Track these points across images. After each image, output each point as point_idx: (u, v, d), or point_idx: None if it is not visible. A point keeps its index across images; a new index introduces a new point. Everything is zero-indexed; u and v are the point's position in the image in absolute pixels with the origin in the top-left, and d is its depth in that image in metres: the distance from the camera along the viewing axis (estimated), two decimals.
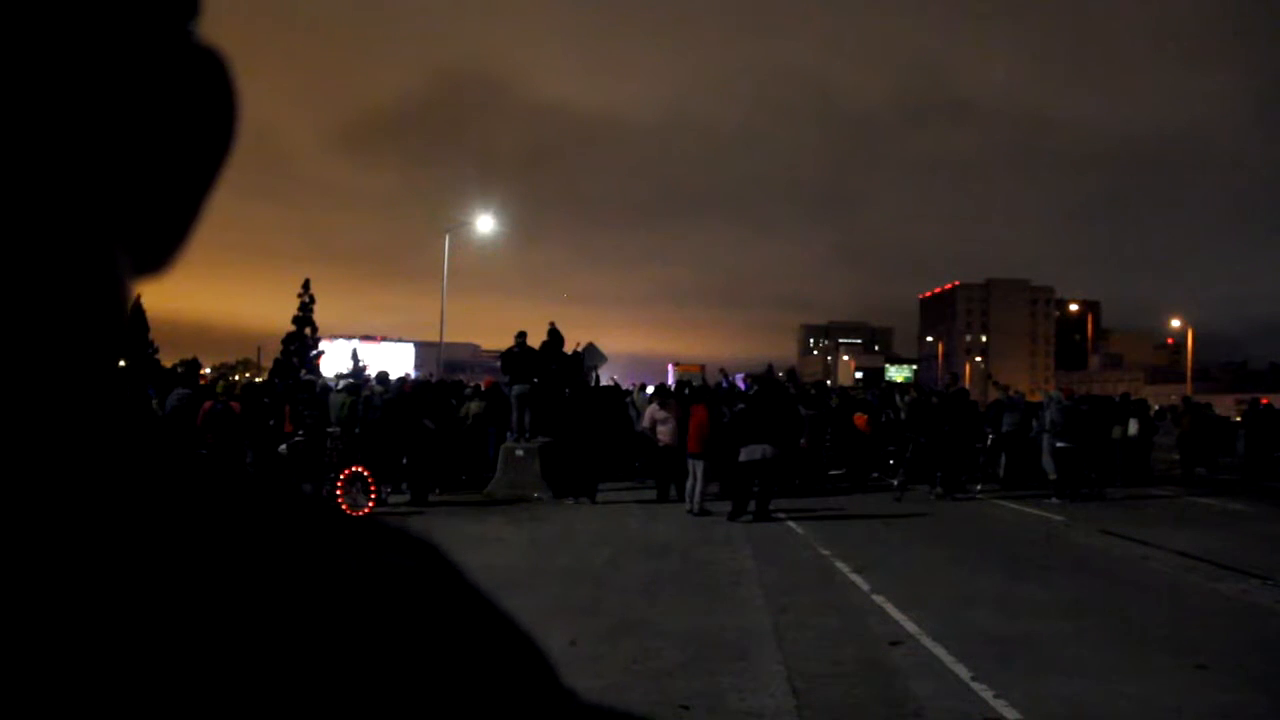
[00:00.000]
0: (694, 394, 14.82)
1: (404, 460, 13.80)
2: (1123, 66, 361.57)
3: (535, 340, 16.00)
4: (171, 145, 0.33)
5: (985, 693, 5.10)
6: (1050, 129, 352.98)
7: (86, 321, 0.30)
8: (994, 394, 19.22)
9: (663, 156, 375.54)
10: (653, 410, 14.52)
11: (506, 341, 15.60)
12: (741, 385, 19.09)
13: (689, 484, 12.95)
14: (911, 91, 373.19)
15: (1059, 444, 15.41)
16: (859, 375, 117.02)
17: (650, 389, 19.70)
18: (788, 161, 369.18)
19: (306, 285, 58.37)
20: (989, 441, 17.47)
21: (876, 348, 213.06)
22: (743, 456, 12.49)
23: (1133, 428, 18.26)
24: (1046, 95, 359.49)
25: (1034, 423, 16.80)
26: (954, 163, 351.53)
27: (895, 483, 15.46)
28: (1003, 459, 17.53)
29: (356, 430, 13.96)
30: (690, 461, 13.02)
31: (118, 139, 0.31)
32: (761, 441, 12.45)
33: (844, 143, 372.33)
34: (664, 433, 14.11)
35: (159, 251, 0.34)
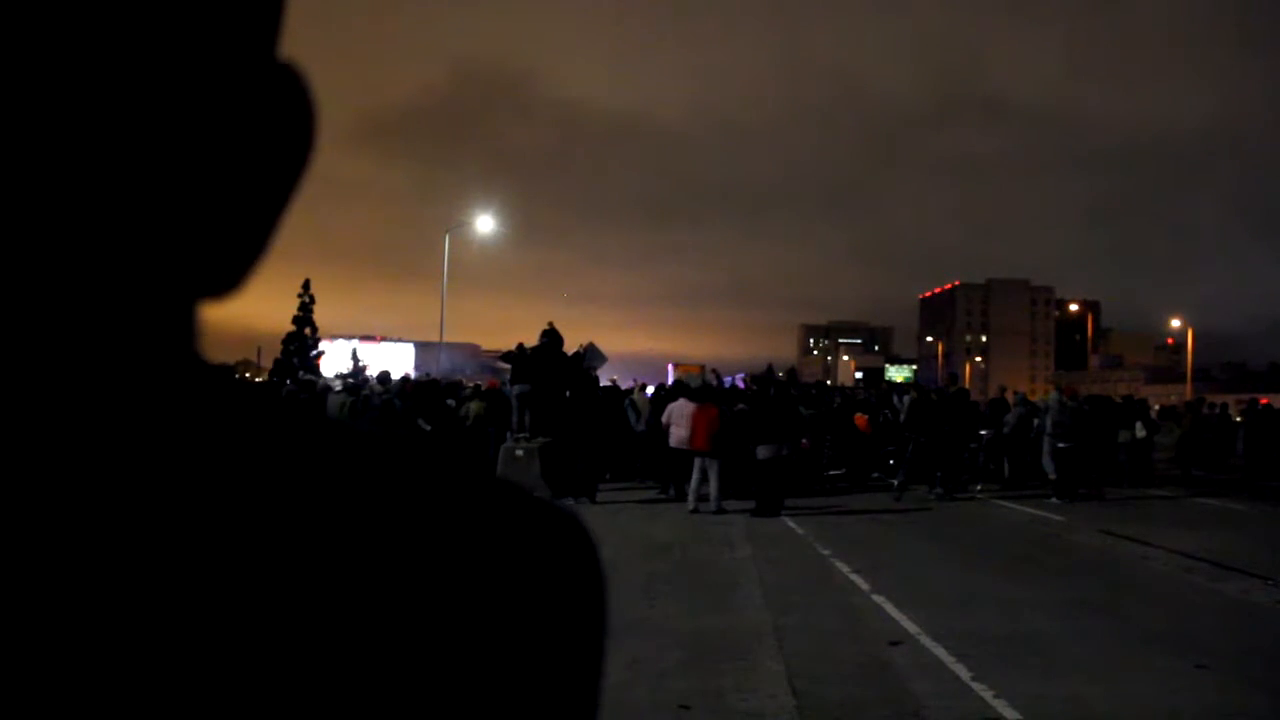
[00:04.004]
0: (699, 393, 14.77)
1: None
2: (1126, 67, 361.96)
3: (535, 341, 16.02)
4: (252, 163, 0.32)
5: (985, 693, 5.09)
6: (1052, 130, 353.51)
7: (160, 338, 0.31)
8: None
9: (680, 156, 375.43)
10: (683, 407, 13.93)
11: (507, 342, 15.66)
12: (741, 386, 19.10)
13: (693, 482, 12.94)
14: (923, 91, 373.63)
15: (1059, 444, 15.41)
16: (859, 375, 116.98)
17: (650, 389, 19.70)
18: (803, 161, 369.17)
19: (306, 285, 58.48)
20: (983, 442, 17.48)
21: (876, 348, 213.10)
22: (761, 454, 12.75)
23: (1140, 431, 18.28)
24: (1048, 95, 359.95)
25: (1035, 422, 16.81)
26: (958, 163, 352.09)
27: (895, 483, 15.46)
28: (1005, 459, 17.54)
29: None
30: (698, 460, 13.00)
31: (203, 159, 0.31)
32: (774, 440, 12.75)
33: (859, 142, 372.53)
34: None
35: (233, 271, 0.33)
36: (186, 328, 0.33)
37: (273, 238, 0.34)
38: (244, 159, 0.32)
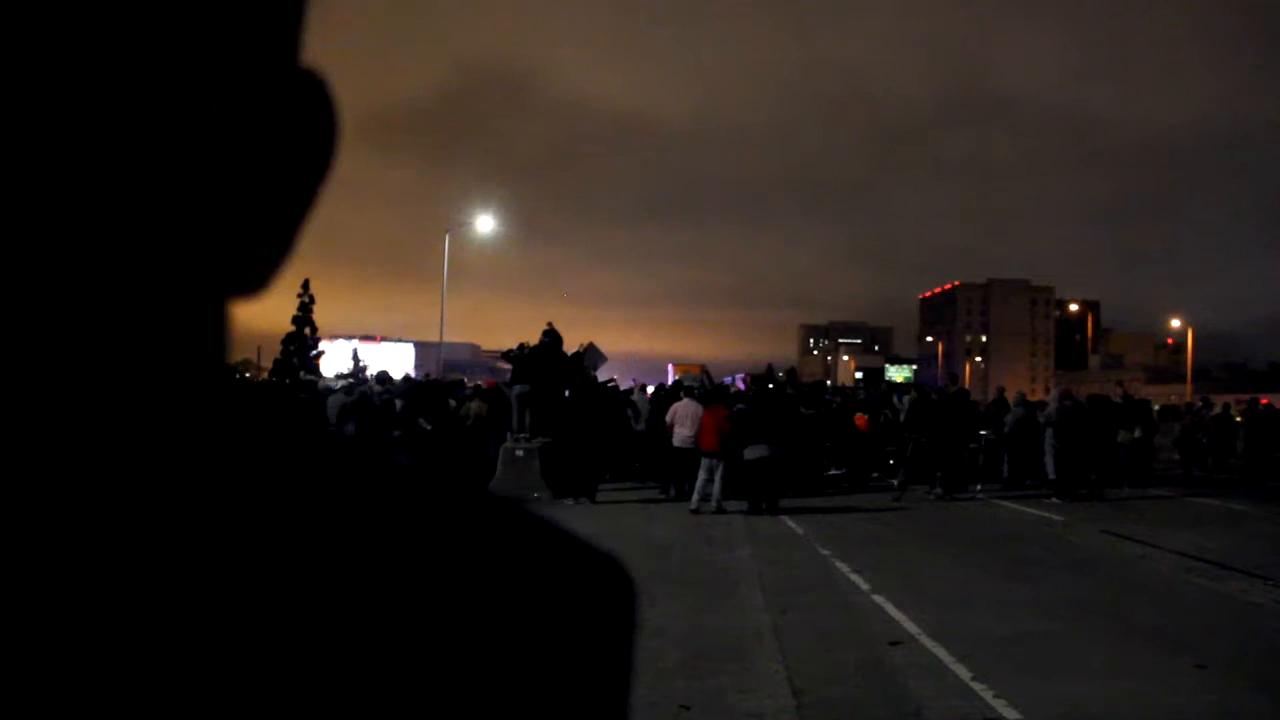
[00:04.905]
0: (706, 395, 14.78)
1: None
2: (1128, 67, 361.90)
3: (536, 341, 16.02)
4: (276, 167, 0.33)
5: (985, 693, 5.09)
6: (1053, 130, 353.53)
7: (190, 337, 0.32)
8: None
9: (682, 156, 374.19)
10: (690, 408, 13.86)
11: (507, 341, 15.65)
12: (741, 386, 19.12)
13: (699, 481, 12.94)
14: (926, 91, 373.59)
15: (1058, 444, 15.42)
16: (859, 375, 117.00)
17: (650, 389, 19.71)
18: (804, 162, 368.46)
19: (306, 285, 58.39)
20: (983, 442, 17.50)
21: (876, 348, 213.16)
22: (748, 455, 12.77)
23: (1138, 431, 18.30)
24: (1050, 96, 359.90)
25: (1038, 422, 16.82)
26: (960, 163, 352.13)
27: (895, 483, 15.46)
28: (1005, 459, 17.54)
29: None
30: (705, 460, 13.00)
31: (227, 162, 0.31)
32: (763, 441, 12.74)
33: (860, 142, 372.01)
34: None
35: (260, 271, 0.34)
36: (211, 330, 0.33)
37: (297, 239, 0.34)
38: (268, 162, 0.32)
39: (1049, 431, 15.65)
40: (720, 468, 12.89)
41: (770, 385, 16.66)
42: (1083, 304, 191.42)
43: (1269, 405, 21.48)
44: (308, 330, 57.98)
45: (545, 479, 14.32)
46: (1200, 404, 23.62)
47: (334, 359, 59.52)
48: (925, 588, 7.93)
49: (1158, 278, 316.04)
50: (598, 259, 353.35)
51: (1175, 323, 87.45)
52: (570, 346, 16.78)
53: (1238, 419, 23.47)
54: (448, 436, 14.90)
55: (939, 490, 15.21)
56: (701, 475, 12.95)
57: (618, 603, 0.37)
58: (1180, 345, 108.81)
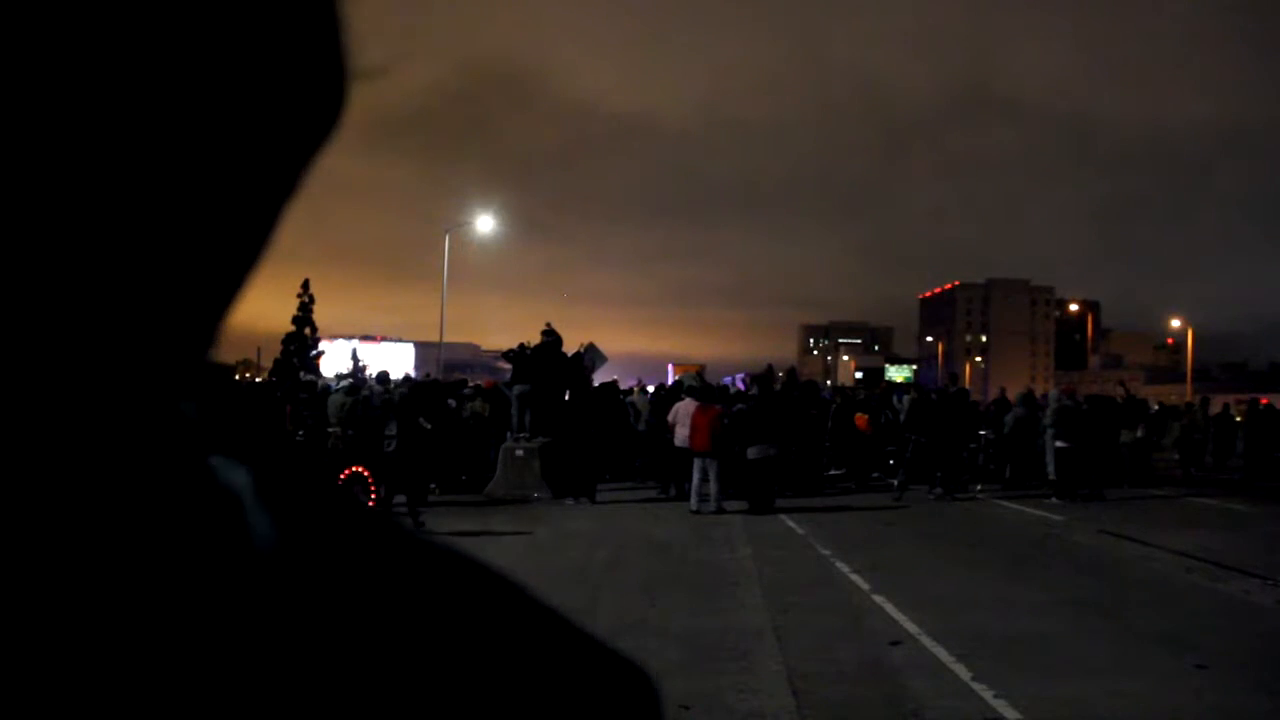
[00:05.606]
0: (704, 394, 14.77)
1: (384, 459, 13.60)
2: (1130, 68, 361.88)
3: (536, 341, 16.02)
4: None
5: (985, 693, 5.09)
6: (1053, 130, 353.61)
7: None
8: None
9: (683, 155, 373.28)
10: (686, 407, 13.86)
11: (507, 341, 15.65)
12: (741, 386, 19.12)
13: (694, 481, 12.94)
14: (928, 92, 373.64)
15: (1058, 444, 15.42)
16: (859, 375, 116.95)
17: (651, 389, 19.70)
18: (805, 162, 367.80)
19: (306, 285, 58.45)
20: (983, 442, 17.48)
21: (876, 348, 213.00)
22: (751, 455, 12.86)
23: (1140, 431, 18.30)
24: (1050, 95, 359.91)
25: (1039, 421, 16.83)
26: (960, 163, 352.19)
27: (895, 483, 15.45)
28: (1005, 459, 17.55)
29: (350, 431, 13.95)
30: (698, 460, 13.00)
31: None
32: (763, 441, 12.84)
33: (862, 142, 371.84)
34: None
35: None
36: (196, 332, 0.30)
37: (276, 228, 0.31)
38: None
39: (1049, 431, 15.66)
40: (715, 467, 12.89)
41: (763, 386, 16.64)
42: (1083, 304, 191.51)
43: (1269, 405, 21.48)
44: (308, 330, 58.02)
45: (545, 479, 14.32)
46: (1199, 404, 23.63)
47: (334, 359, 59.51)
48: (925, 588, 7.93)
49: (1158, 278, 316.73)
50: (598, 259, 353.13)
51: (1175, 323, 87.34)
52: (570, 346, 16.78)
53: (1238, 419, 23.46)
54: (448, 436, 14.89)
55: (939, 490, 15.21)
56: (695, 476, 12.94)
57: None
58: (1180, 345, 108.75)
